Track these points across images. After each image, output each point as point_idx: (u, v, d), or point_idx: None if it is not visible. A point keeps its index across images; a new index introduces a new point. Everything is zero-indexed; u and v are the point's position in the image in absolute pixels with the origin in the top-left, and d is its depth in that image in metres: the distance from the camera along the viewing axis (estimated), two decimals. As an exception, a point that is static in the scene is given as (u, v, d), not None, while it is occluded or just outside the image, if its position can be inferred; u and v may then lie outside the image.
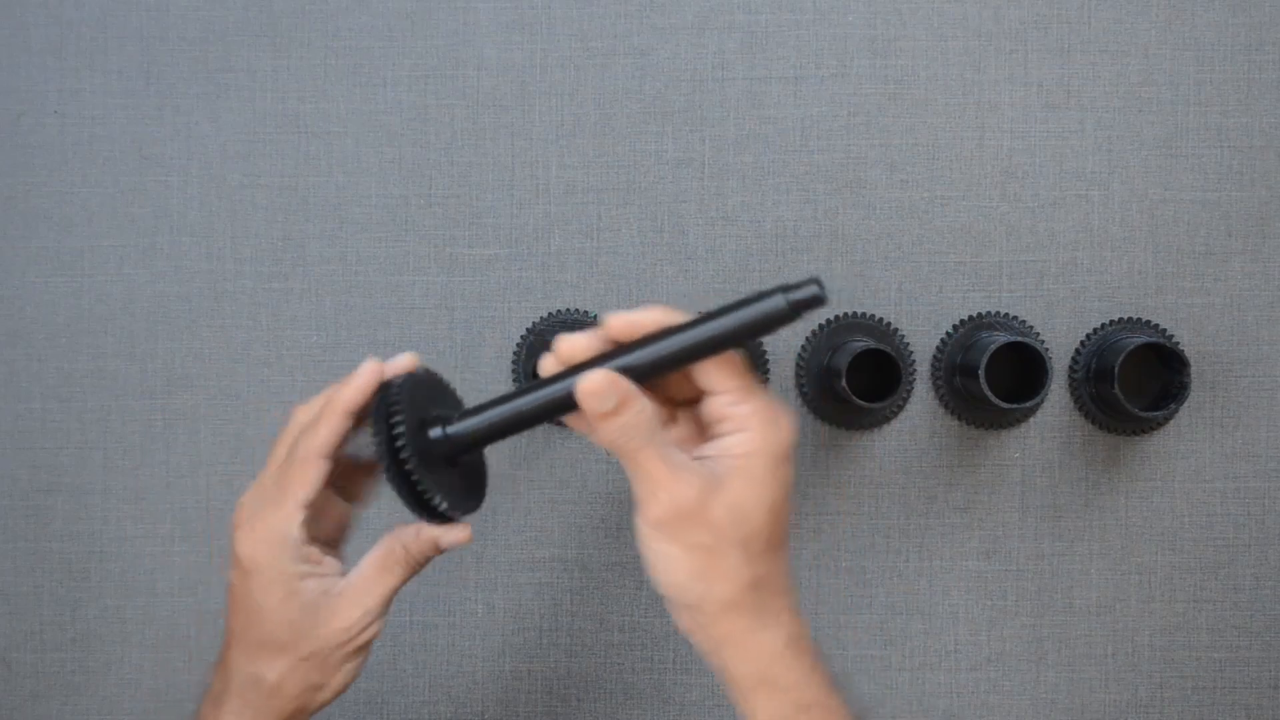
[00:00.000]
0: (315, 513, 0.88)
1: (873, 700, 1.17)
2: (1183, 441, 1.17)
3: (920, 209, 1.17)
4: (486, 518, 1.18)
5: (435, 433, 0.86)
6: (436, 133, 1.18)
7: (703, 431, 0.83)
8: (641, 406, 0.79)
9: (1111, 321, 1.16)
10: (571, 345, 0.81)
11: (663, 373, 0.81)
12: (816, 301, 0.80)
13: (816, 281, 0.80)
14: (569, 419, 0.83)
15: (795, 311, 0.80)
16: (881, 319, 1.16)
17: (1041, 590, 1.17)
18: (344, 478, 0.91)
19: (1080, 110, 1.17)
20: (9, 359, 1.19)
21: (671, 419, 0.85)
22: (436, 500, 0.86)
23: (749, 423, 0.79)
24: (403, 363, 0.88)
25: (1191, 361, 1.13)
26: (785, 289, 0.80)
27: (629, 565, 1.17)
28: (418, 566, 0.88)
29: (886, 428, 1.17)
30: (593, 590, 1.18)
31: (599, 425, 0.79)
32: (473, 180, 1.18)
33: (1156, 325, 1.16)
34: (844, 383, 1.07)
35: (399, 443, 0.84)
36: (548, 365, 0.83)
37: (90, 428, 1.19)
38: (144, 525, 1.18)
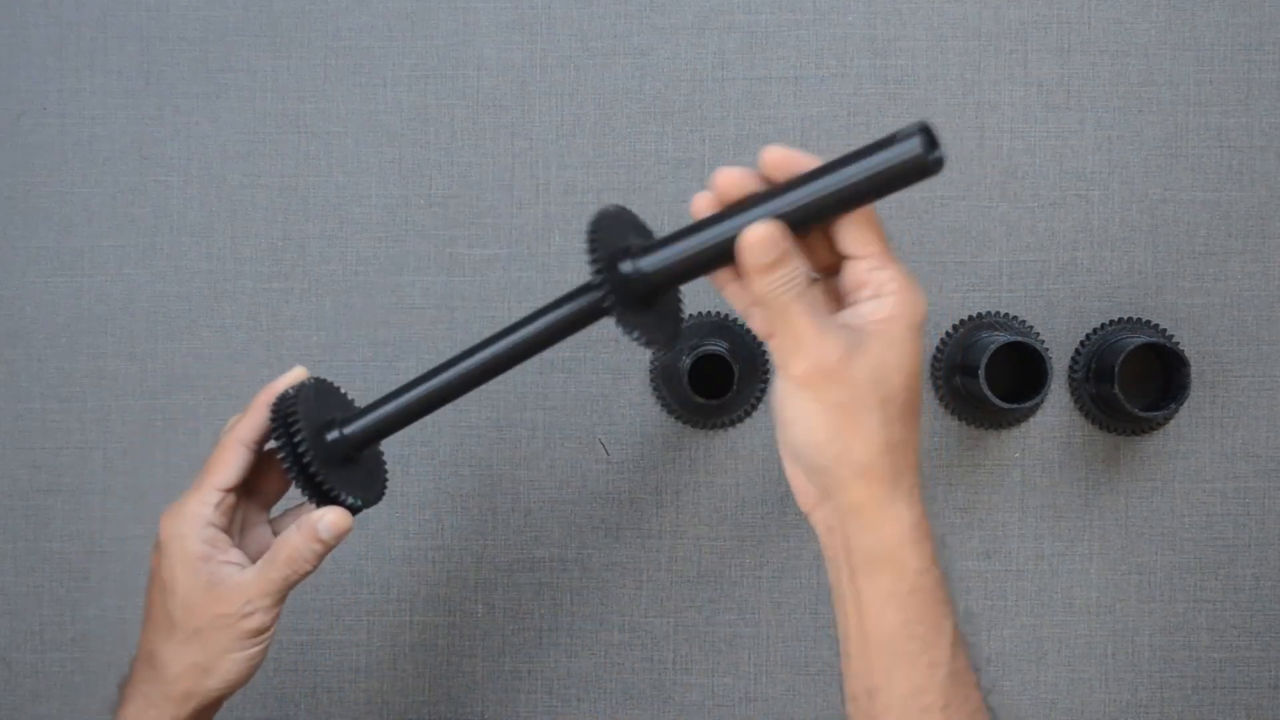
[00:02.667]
0: (233, 511, 0.93)
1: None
2: (1183, 441, 1.17)
3: (920, 209, 1.17)
4: (486, 518, 1.18)
5: (332, 435, 0.91)
6: (436, 133, 1.18)
7: (838, 300, 0.82)
8: (797, 262, 0.78)
9: (1111, 321, 1.16)
10: (729, 178, 0.81)
11: (814, 223, 0.80)
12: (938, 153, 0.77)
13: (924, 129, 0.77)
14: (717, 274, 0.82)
15: (930, 156, 0.77)
16: (881, 319, 1.16)
17: (1041, 590, 1.17)
18: (262, 483, 0.96)
19: (1080, 110, 1.17)
20: (9, 359, 1.19)
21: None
22: (341, 495, 0.91)
23: (889, 288, 0.79)
24: (294, 375, 0.94)
25: (1191, 361, 1.13)
26: (919, 130, 0.77)
27: (629, 565, 1.17)
28: (306, 560, 0.90)
29: (886, 428, 1.17)
30: (593, 590, 1.18)
31: (756, 278, 0.78)
32: (473, 180, 1.18)
33: (1156, 325, 1.16)
34: (844, 383, 1.07)
35: (301, 447, 0.89)
36: (700, 205, 0.82)
37: (90, 428, 1.19)
38: (144, 525, 1.18)
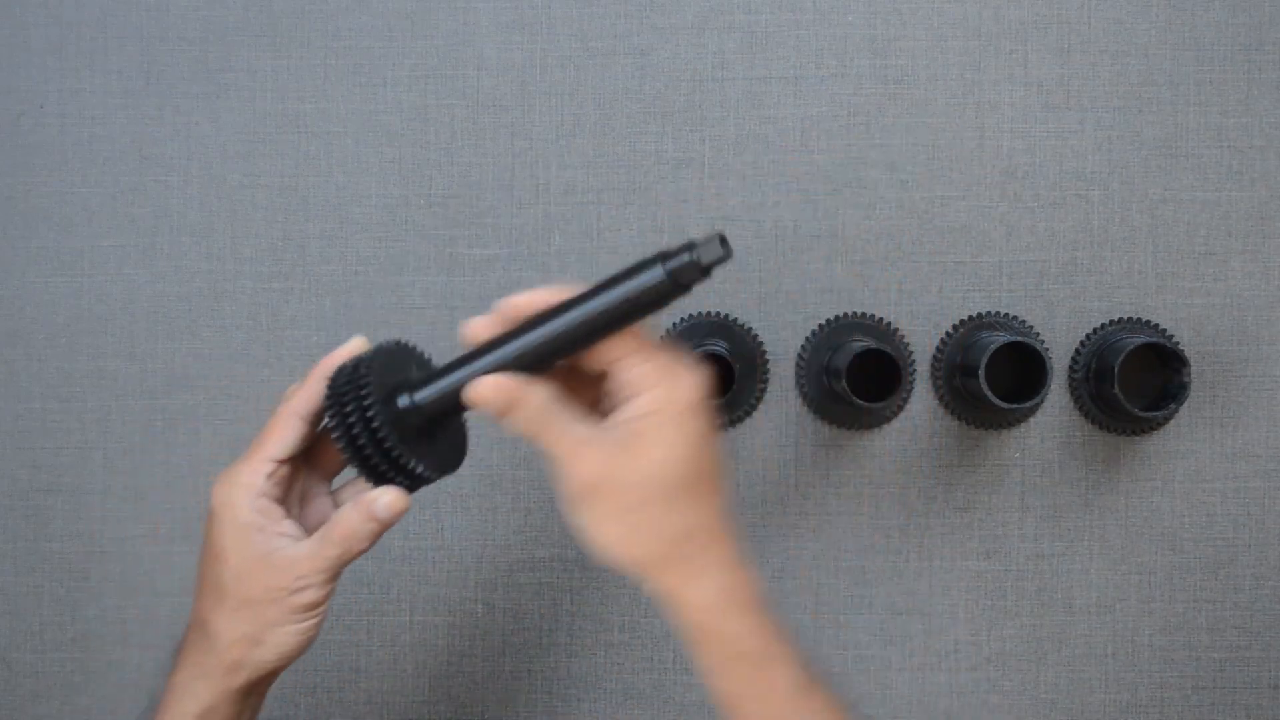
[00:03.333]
0: (289, 482, 0.90)
1: (873, 700, 1.17)
2: (1183, 441, 1.17)
3: (920, 209, 1.17)
4: (486, 517, 1.18)
5: (403, 401, 0.87)
6: (436, 133, 1.18)
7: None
8: (535, 397, 0.82)
9: (1111, 321, 1.16)
10: (473, 328, 0.85)
11: (555, 360, 0.84)
12: (694, 270, 0.82)
13: (692, 247, 0.82)
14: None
15: (677, 283, 0.82)
16: (881, 319, 1.16)
17: (1041, 590, 1.17)
18: (322, 455, 0.93)
19: (1080, 110, 1.17)
20: (9, 359, 1.19)
21: (593, 399, 0.87)
22: (411, 462, 0.87)
23: (647, 382, 0.82)
24: (353, 346, 0.90)
25: (1191, 361, 1.13)
26: (664, 256, 0.82)
27: (629, 565, 1.17)
28: (361, 539, 0.88)
29: (886, 428, 1.17)
30: (593, 590, 1.18)
31: (500, 423, 0.83)
32: (473, 180, 1.18)
33: (1156, 325, 1.16)
34: (844, 383, 1.07)
35: (355, 429, 0.86)
36: (475, 329, 0.86)
37: (90, 428, 1.19)
38: (144, 525, 1.18)
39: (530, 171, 1.18)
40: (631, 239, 1.17)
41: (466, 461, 1.18)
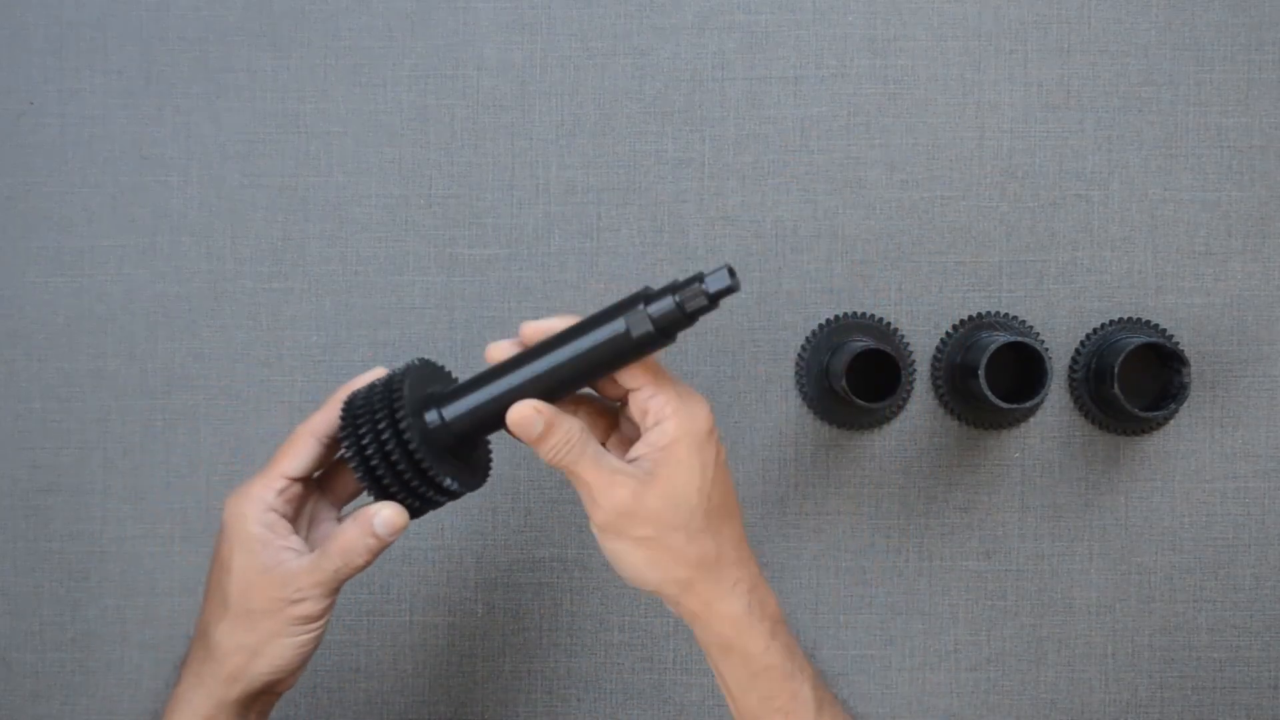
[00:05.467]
0: (300, 501, 0.93)
1: (873, 700, 1.17)
2: (1183, 441, 1.17)
3: (920, 209, 1.17)
4: (486, 517, 1.18)
5: (431, 417, 0.89)
6: (436, 133, 1.18)
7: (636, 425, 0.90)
8: (571, 425, 0.86)
9: (1111, 321, 1.16)
10: (496, 351, 0.89)
11: (578, 384, 0.88)
12: (703, 298, 0.85)
13: (672, 290, 0.86)
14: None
15: (660, 330, 0.86)
16: (881, 319, 1.16)
17: (1041, 590, 1.17)
18: (336, 481, 0.96)
19: (1080, 110, 1.17)
20: (9, 359, 1.19)
21: (613, 425, 0.92)
22: (440, 478, 0.89)
23: (664, 413, 0.86)
24: (373, 375, 0.93)
25: (1191, 361, 1.13)
26: (646, 298, 0.86)
27: (629, 565, 1.17)
28: (359, 554, 0.90)
29: (886, 428, 1.17)
30: (593, 590, 1.18)
31: (535, 448, 0.86)
32: (473, 180, 1.18)
33: (1156, 325, 1.16)
34: (844, 383, 1.07)
35: (368, 450, 0.88)
36: (496, 352, 0.90)
37: (90, 428, 1.19)
38: (144, 525, 1.18)
39: (530, 171, 1.18)
40: (631, 239, 1.17)
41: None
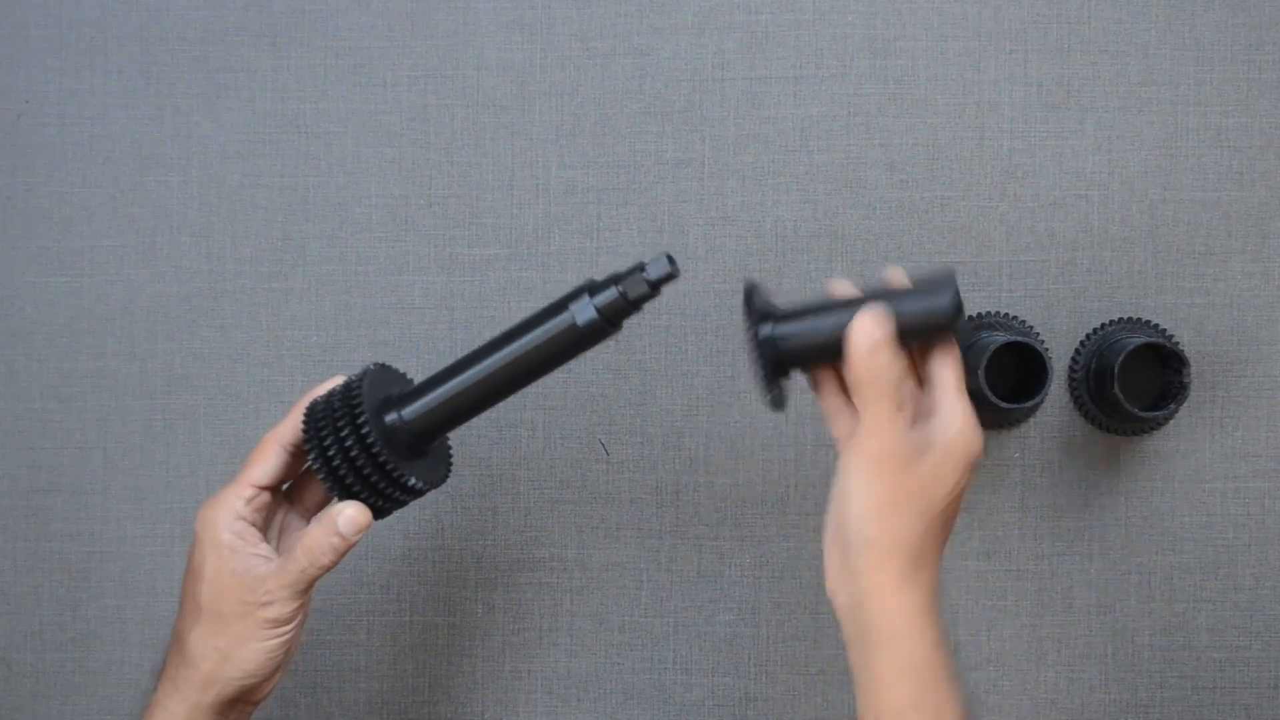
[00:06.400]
0: (269, 509, 0.96)
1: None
2: (1183, 441, 1.17)
3: (920, 209, 1.17)
4: (486, 517, 1.18)
5: (391, 418, 0.92)
6: (436, 133, 1.18)
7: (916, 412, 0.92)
8: (898, 353, 0.88)
9: (1111, 321, 1.16)
10: (839, 285, 0.92)
11: (528, 381, 0.92)
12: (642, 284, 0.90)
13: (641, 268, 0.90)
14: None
15: (606, 319, 0.90)
16: (881, 319, 1.16)
17: (1041, 590, 1.17)
18: (305, 491, 0.99)
19: (1080, 110, 1.17)
20: (9, 359, 1.19)
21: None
22: (403, 475, 0.91)
23: (959, 420, 0.89)
24: (331, 384, 0.96)
25: (1191, 361, 1.13)
26: (591, 289, 0.91)
27: (629, 565, 1.17)
28: (324, 553, 0.92)
29: (886, 428, 1.17)
30: (593, 590, 1.18)
31: (863, 359, 0.87)
32: (473, 180, 1.18)
33: (1156, 325, 1.16)
34: (844, 383, 1.07)
35: (330, 450, 0.90)
36: (837, 287, 0.93)
37: (90, 428, 1.19)
38: (144, 525, 1.18)
39: (530, 171, 1.18)
40: (631, 239, 1.17)
41: (467, 462, 1.19)
